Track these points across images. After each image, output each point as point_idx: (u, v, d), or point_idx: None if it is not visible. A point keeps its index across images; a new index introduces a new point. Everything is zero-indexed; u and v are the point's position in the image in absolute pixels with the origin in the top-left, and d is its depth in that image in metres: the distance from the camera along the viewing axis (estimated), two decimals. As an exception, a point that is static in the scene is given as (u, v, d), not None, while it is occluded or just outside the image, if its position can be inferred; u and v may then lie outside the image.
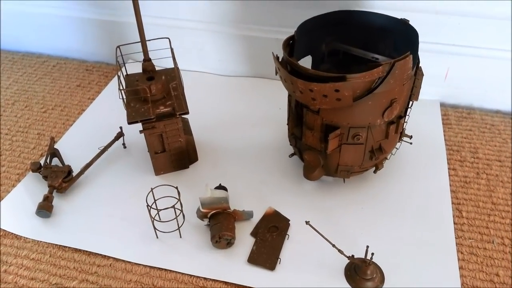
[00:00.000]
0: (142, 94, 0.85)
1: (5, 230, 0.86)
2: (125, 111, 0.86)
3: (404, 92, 0.75)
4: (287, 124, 0.89)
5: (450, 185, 0.90)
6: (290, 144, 0.90)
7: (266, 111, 1.11)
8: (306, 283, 0.74)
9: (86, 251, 0.81)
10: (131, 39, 1.00)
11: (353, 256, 0.73)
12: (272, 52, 0.78)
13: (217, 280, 0.75)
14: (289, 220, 0.84)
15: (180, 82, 0.89)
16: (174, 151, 0.92)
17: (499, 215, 0.84)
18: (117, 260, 0.80)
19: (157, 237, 0.82)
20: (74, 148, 1.03)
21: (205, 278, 0.76)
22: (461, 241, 0.80)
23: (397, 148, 0.91)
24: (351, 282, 0.74)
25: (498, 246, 0.79)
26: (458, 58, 1.05)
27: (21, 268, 0.79)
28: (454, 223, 0.83)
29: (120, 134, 1.01)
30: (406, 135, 0.88)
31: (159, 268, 0.78)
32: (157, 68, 0.91)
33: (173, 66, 0.88)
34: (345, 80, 0.68)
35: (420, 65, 0.78)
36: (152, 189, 0.80)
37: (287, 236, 0.81)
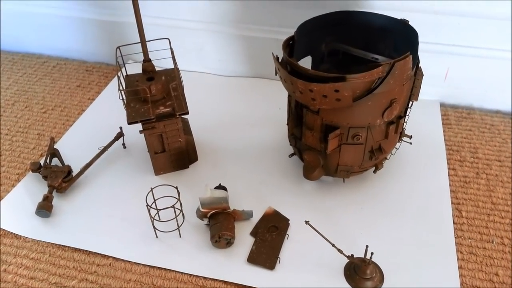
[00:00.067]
0: (142, 95, 0.86)
1: (5, 230, 0.86)
2: (125, 112, 0.86)
3: (404, 92, 0.75)
4: (287, 124, 0.89)
5: (449, 185, 0.90)
6: (290, 144, 0.90)
7: (266, 111, 1.11)
8: (306, 283, 0.74)
9: (86, 250, 0.81)
10: (131, 39, 1.00)
11: (352, 255, 0.73)
12: (272, 53, 0.78)
13: (216, 280, 0.76)
14: (288, 220, 0.84)
15: (180, 82, 0.90)
16: (174, 151, 0.92)
17: (498, 215, 0.85)
18: (116, 259, 0.80)
19: (157, 237, 0.82)
20: (74, 148, 1.03)
21: (204, 278, 0.76)
22: (460, 241, 0.80)
23: (396, 148, 0.91)
24: (350, 282, 0.74)
25: (498, 246, 0.79)
26: (458, 58, 1.05)
27: (20, 267, 0.79)
28: (454, 223, 0.83)
29: (120, 134, 1.01)
30: (406, 135, 0.88)
31: (158, 268, 0.78)
32: (157, 69, 0.91)
33: (173, 66, 0.88)
34: (344, 81, 0.68)
35: (420, 65, 0.79)
36: (152, 189, 0.80)
37: (286, 236, 0.81)
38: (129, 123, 0.84)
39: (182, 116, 0.88)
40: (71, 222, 0.86)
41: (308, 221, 0.73)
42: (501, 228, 0.82)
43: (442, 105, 1.12)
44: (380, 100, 0.73)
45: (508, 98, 1.08)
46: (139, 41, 0.86)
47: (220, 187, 0.87)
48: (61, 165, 0.95)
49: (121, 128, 1.01)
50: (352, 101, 0.71)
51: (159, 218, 0.82)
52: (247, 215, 0.84)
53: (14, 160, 1.02)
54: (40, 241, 0.83)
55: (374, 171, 0.87)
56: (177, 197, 0.78)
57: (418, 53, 0.78)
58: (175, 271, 0.77)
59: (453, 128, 1.05)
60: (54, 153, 0.98)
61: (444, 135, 1.02)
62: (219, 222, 0.78)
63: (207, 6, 1.14)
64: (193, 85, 1.06)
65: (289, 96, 0.84)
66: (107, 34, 1.29)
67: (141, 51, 0.88)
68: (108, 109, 1.14)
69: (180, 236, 0.82)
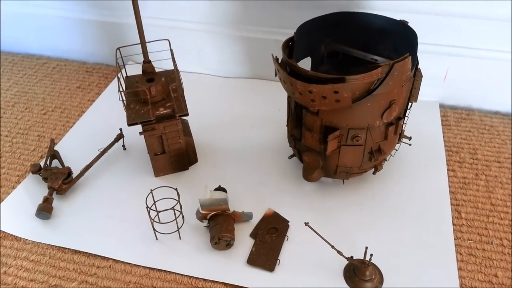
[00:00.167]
0: (142, 96, 0.86)
1: (5, 232, 0.86)
2: (125, 113, 0.86)
3: (403, 94, 0.75)
4: (287, 125, 0.89)
5: (449, 186, 0.90)
6: (290, 146, 0.90)
7: (265, 112, 1.11)
8: (305, 284, 0.74)
9: (86, 252, 0.81)
10: (131, 40, 1.01)
11: (352, 257, 0.73)
12: (272, 54, 0.78)
13: (216, 282, 0.76)
14: (288, 222, 0.84)
15: (179, 83, 0.90)
16: (173, 153, 0.92)
17: (498, 216, 0.85)
18: (116, 261, 0.80)
19: (157, 239, 0.82)
20: (74, 149, 1.03)
21: (204, 279, 0.76)
22: (460, 242, 0.80)
23: (396, 150, 0.91)
24: (350, 283, 0.74)
25: (497, 247, 0.79)
26: (457, 59, 1.05)
27: (20, 269, 0.79)
28: (453, 224, 0.83)
29: (120, 136, 1.01)
30: (405, 136, 0.88)
31: (158, 270, 0.78)
32: (156, 70, 0.91)
33: (172, 67, 0.89)
34: (344, 82, 0.68)
35: (419, 66, 0.79)
36: (151, 190, 0.80)
37: (286, 237, 0.81)
38: (129, 125, 0.84)
39: (182, 118, 0.88)
40: (71, 224, 0.86)
41: (308, 223, 0.73)
42: (501, 229, 0.82)
43: (442, 106, 1.12)
44: (379, 101, 0.73)
45: (507, 99, 1.08)
46: (139, 42, 0.86)
47: (219, 188, 0.87)
48: (61, 167, 0.95)
49: (121, 129, 1.02)
50: (352, 102, 0.71)
51: (159, 220, 0.82)
52: (247, 217, 0.84)
53: (14, 161, 1.02)
54: (40, 243, 0.83)
55: (374, 173, 0.87)
56: (177, 199, 0.78)
57: (418, 54, 0.78)
58: (175, 273, 0.77)
59: (453, 129, 1.05)
60: (54, 155, 0.98)
61: (443, 136, 1.02)
62: (219, 223, 0.79)
63: (207, 7, 1.15)
64: (193, 86, 1.06)
65: (288, 97, 0.84)
66: (107, 35, 1.29)
67: (141, 52, 0.88)
68: (108, 111, 1.14)
69: (180, 238, 0.82)
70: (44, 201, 0.86)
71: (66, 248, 0.82)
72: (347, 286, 0.74)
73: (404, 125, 0.85)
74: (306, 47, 0.86)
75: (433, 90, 1.11)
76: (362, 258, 0.73)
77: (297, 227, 0.83)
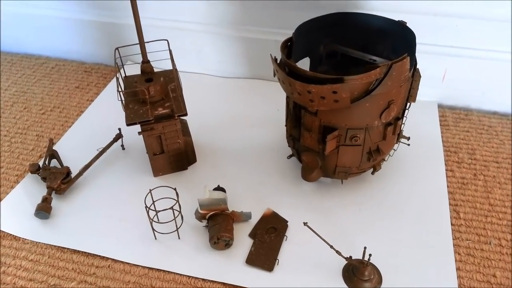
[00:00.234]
0: (141, 96, 0.86)
1: (4, 231, 0.86)
2: (124, 113, 0.86)
3: (402, 94, 0.76)
4: (285, 125, 0.89)
5: (447, 186, 0.90)
6: (289, 146, 0.90)
7: (264, 112, 1.11)
8: (304, 284, 0.74)
9: (85, 252, 0.81)
10: (130, 41, 1.01)
11: (351, 257, 0.73)
12: (270, 54, 0.78)
13: (215, 281, 0.76)
14: (287, 221, 0.84)
15: (178, 83, 0.90)
16: (172, 153, 0.92)
17: (496, 216, 0.85)
18: (115, 261, 0.80)
19: (156, 238, 0.82)
20: (72, 149, 1.03)
21: (203, 279, 0.76)
22: (458, 242, 0.80)
23: (394, 150, 0.91)
24: (349, 283, 0.74)
25: (495, 247, 0.80)
26: (456, 60, 1.05)
27: (19, 269, 0.79)
28: (452, 224, 0.83)
29: (119, 136, 1.01)
30: (404, 137, 0.88)
31: (157, 269, 0.78)
32: (155, 70, 0.91)
33: (171, 67, 0.89)
34: (342, 82, 0.69)
35: (417, 66, 0.79)
36: (150, 190, 0.80)
37: (285, 237, 0.81)
38: (128, 125, 0.84)
39: (181, 118, 0.88)
40: (70, 224, 0.86)
41: (307, 223, 0.73)
42: (499, 229, 0.82)
43: (440, 106, 1.12)
44: (378, 102, 0.73)
45: (505, 99, 1.08)
46: (138, 42, 0.86)
47: (218, 188, 0.87)
48: (60, 167, 0.95)
49: (119, 129, 1.02)
50: (350, 103, 0.71)
51: (158, 220, 0.82)
52: (246, 217, 0.84)
53: (13, 161, 1.02)
54: (39, 242, 0.84)
55: (372, 173, 0.87)
56: (176, 199, 0.78)
57: (416, 54, 0.78)
58: (174, 272, 0.77)
59: (451, 130, 1.05)
60: (53, 155, 0.98)
61: (442, 137, 1.03)
62: (218, 223, 0.79)
63: (206, 8, 1.15)
64: (192, 86, 1.06)
65: (287, 97, 0.85)
66: (106, 36, 1.29)
67: (140, 52, 0.88)
68: (106, 110, 1.14)
69: (179, 238, 0.82)
70: (43, 201, 0.86)
71: (65, 248, 0.82)
72: (346, 286, 0.74)
73: (402, 125, 0.85)
74: (305, 48, 0.86)
75: (432, 90, 1.11)
76: (361, 258, 0.73)
77: (296, 227, 0.83)
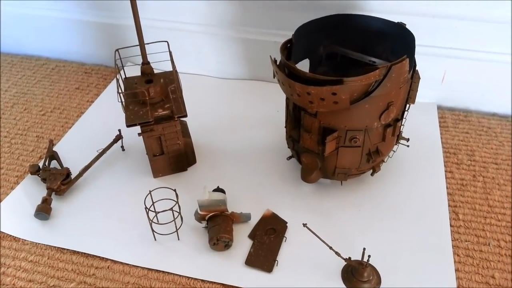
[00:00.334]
0: (141, 97, 0.86)
1: (4, 232, 0.86)
2: (124, 114, 0.86)
3: (401, 95, 0.76)
4: (285, 126, 0.89)
5: (446, 188, 0.90)
6: (288, 147, 0.91)
7: (264, 113, 1.11)
8: (303, 285, 0.74)
9: (84, 253, 0.81)
10: (130, 42, 1.01)
11: (350, 258, 0.73)
12: (270, 56, 0.78)
13: (214, 282, 0.76)
14: (286, 223, 0.84)
15: (178, 85, 0.90)
16: (172, 154, 0.92)
17: (495, 218, 0.85)
18: (115, 262, 0.80)
19: (155, 239, 0.82)
20: (72, 150, 1.03)
21: (202, 280, 0.76)
22: (457, 244, 0.80)
23: (394, 151, 0.91)
24: (348, 284, 0.74)
25: (494, 249, 0.80)
26: (455, 61, 1.06)
27: (19, 270, 0.80)
28: (451, 225, 0.83)
29: (119, 137, 1.01)
30: (403, 138, 0.88)
31: (157, 270, 0.78)
32: (155, 71, 0.92)
33: (171, 69, 0.89)
34: (342, 83, 0.69)
35: (417, 68, 0.79)
36: (150, 191, 0.80)
37: (284, 238, 0.82)
38: (128, 126, 0.84)
39: (181, 119, 0.88)
40: (69, 225, 0.86)
41: (306, 224, 0.74)
42: (498, 231, 0.83)
43: (439, 108, 1.12)
44: (377, 103, 0.73)
45: (505, 101, 1.08)
46: (138, 43, 0.87)
47: (218, 189, 0.87)
48: (60, 168, 0.95)
49: (119, 130, 1.02)
50: (350, 104, 0.71)
51: (158, 221, 0.82)
52: (245, 218, 0.84)
53: (13, 162, 1.02)
54: (39, 243, 0.84)
55: (372, 174, 0.87)
56: (176, 200, 0.79)
57: (415, 56, 0.78)
58: (173, 273, 0.77)
59: (450, 131, 1.05)
60: (53, 156, 0.98)
61: (441, 138, 1.03)
62: (217, 224, 0.79)
63: (206, 9, 1.15)
64: (192, 88, 1.06)
65: (287, 98, 0.85)
66: (106, 37, 1.30)
67: (140, 53, 0.88)
68: (106, 112, 1.14)
69: (179, 239, 0.82)
70: (43, 202, 0.87)
71: (64, 249, 0.82)
72: (345, 287, 0.74)
73: (402, 126, 0.86)
74: (305, 49, 0.87)
75: (431, 91, 1.11)
76: (360, 259, 0.73)
77: (295, 228, 0.83)
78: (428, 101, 1.12)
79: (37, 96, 1.24)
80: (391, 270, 0.76)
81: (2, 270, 0.80)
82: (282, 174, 0.95)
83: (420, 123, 1.04)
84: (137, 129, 0.86)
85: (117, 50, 0.89)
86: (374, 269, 0.75)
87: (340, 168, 0.82)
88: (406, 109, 0.83)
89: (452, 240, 0.81)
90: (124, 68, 0.94)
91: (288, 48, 0.82)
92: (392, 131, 0.80)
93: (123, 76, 0.92)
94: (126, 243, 0.82)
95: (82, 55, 1.37)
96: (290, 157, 0.93)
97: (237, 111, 1.13)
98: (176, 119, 0.86)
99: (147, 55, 0.89)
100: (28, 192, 0.93)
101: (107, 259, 0.80)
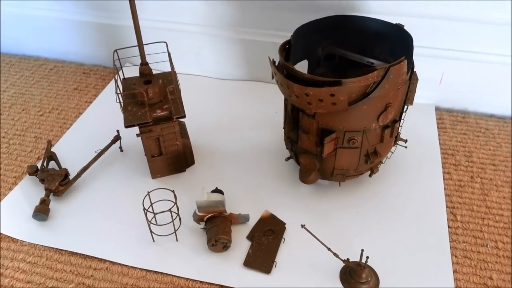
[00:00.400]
0: (139, 98, 0.86)
1: (2, 233, 0.86)
2: (122, 115, 0.86)
3: (399, 97, 0.76)
4: (284, 127, 0.89)
5: (444, 189, 0.91)
6: (286, 148, 0.91)
7: (262, 114, 1.12)
8: (302, 286, 0.74)
9: (83, 254, 0.81)
10: (128, 42, 1.01)
11: (348, 259, 0.73)
12: (268, 57, 0.78)
13: (213, 284, 0.76)
14: (285, 224, 0.84)
15: (177, 85, 0.90)
16: (171, 155, 0.92)
17: (493, 219, 0.85)
18: (113, 263, 0.80)
19: (154, 241, 0.82)
20: (71, 151, 1.03)
21: (201, 282, 0.76)
22: (455, 245, 0.81)
23: (392, 152, 0.92)
24: (346, 286, 0.74)
25: (492, 250, 0.80)
26: (453, 63, 1.06)
27: (17, 271, 0.79)
28: (449, 226, 0.83)
29: (117, 138, 1.01)
30: (401, 139, 0.89)
31: (155, 272, 0.78)
32: (154, 72, 0.92)
33: (170, 69, 0.89)
34: (340, 85, 0.69)
35: (415, 69, 0.79)
36: (148, 192, 0.80)
37: (283, 239, 0.82)
38: (126, 127, 0.84)
39: (179, 120, 0.88)
40: (68, 226, 0.86)
41: (304, 225, 0.74)
42: (496, 232, 0.83)
43: (437, 109, 1.13)
44: (375, 104, 0.73)
45: (502, 102, 1.09)
46: (137, 44, 0.87)
47: (216, 190, 0.87)
48: (58, 168, 0.95)
49: (118, 131, 1.02)
50: (348, 105, 0.71)
51: (156, 222, 0.82)
52: (244, 219, 0.84)
53: (11, 163, 1.02)
54: (37, 244, 0.83)
55: (370, 175, 0.88)
56: (174, 201, 0.79)
57: (413, 57, 0.78)
58: (172, 275, 0.77)
59: (448, 132, 1.06)
60: (51, 156, 0.98)
61: (439, 139, 1.03)
62: (216, 225, 0.79)
63: (205, 9, 1.15)
64: (190, 88, 1.06)
65: (285, 99, 0.85)
66: (105, 37, 1.30)
67: (139, 54, 0.88)
68: (105, 112, 1.14)
69: (177, 240, 0.82)
70: (41, 203, 0.86)
71: (63, 250, 0.82)
72: (343, 288, 0.74)
73: (400, 127, 0.86)
74: (303, 50, 0.87)
75: (429, 93, 1.11)
76: (358, 260, 0.73)
77: (293, 229, 0.83)
78: (426, 102, 1.12)
79: (36, 97, 1.24)
80: (389, 271, 0.76)
81: (0, 271, 0.79)
82: (280, 175, 0.95)
83: (418, 124, 1.05)
84: (136, 129, 0.86)
85: (115, 50, 0.89)
86: (372, 270, 0.75)
87: (338, 169, 0.82)
88: (404, 110, 0.83)
89: (450, 241, 0.81)
90: (123, 68, 0.93)
91: (287, 49, 0.82)
92: (390, 132, 0.80)
93: (122, 77, 0.92)
94: (124, 244, 0.82)
95: (81, 55, 1.37)
96: (288, 158, 0.93)
97: (235, 112, 1.13)
98: (174, 120, 0.86)
99: (146, 56, 0.89)
100: (26, 193, 0.93)
101: (105, 260, 0.80)
